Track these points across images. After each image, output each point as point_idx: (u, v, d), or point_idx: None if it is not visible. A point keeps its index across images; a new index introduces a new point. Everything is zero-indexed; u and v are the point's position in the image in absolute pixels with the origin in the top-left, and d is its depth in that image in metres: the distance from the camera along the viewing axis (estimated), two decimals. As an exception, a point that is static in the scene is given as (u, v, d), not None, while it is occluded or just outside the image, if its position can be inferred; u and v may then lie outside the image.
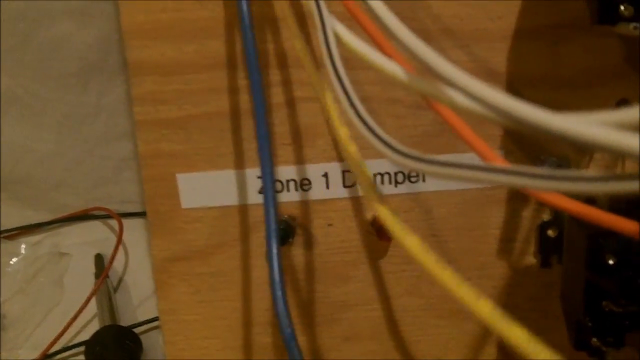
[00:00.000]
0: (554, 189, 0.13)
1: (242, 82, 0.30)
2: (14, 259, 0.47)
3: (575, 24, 0.29)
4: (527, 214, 0.31)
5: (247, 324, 0.33)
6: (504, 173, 0.14)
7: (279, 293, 0.21)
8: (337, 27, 0.19)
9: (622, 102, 0.29)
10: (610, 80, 0.29)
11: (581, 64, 0.29)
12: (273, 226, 0.21)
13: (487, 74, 0.29)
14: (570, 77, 0.29)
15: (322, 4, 0.20)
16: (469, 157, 0.30)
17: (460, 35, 0.29)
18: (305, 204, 0.31)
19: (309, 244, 0.32)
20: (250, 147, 0.31)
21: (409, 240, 0.19)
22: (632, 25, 0.23)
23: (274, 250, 0.21)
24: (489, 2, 0.29)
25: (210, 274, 0.32)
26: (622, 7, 0.23)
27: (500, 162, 0.16)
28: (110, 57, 0.45)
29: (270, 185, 0.23)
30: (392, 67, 0.18)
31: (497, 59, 0.29)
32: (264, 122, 0.23)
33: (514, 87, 0.29)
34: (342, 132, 0.20)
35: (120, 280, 0.47)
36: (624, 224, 0.15)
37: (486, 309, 0.17)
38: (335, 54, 0.18)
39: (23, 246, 0.48)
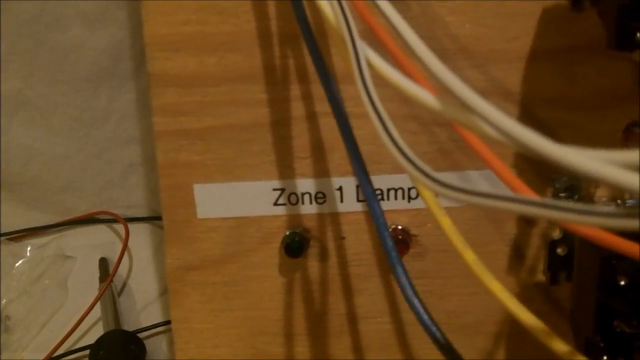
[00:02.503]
0: (591, 224, 0.14)
1: (261, 95, 0.30)
2: (20, 261, 0.47)
3: (590, 46, 0.29)
4: (537, 231, 0.32)
5: (258, 333, 0.34)
6: (539, 206, 0.15)
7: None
8: (369, 54, 0.19)
9: (634, 124, 0.30)
10: (623, 102, 0.30)
11: (595, 85, 0.30)
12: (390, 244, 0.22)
13: (502, 94, 0.30)
14: (583, 99, 0.30)
15: (354, 30, 0.20)
16: (485, 175, 0.31)
17: (477, 55, 0.30)
18: (319, 217, 0.32)
19: (322, 256, 0.32)
20: (267, 159, 0.31)
21: (466, 254, 0.19)
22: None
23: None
24: (505, 23, 0.29)
25: (223, 284, 0.33)
26: (638, 34, 0.24)
27: (529, 192, 0.16)
28: (121, 63, 0.46)
29: (372, 197, 0.23)
30: (423, 94, 0.18)
31: (512, 79, 0.30)
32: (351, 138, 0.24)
33: (529, 107, 0.30)
34: (444, 222, 0.21)
35: (124, 285, 0.47)
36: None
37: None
38: (369, 82, 0.19)
39: (28, 248, 0.48)
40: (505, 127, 0.16)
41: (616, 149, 0.15)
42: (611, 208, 0.14)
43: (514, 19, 0.29)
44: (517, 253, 0.32)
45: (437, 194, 0.19)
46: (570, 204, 0.14)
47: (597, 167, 0.14)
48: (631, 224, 0.13)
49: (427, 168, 0.17)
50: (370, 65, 0.19)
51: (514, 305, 0.20)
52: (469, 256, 0.21)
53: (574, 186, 0.30)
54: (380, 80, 0.20)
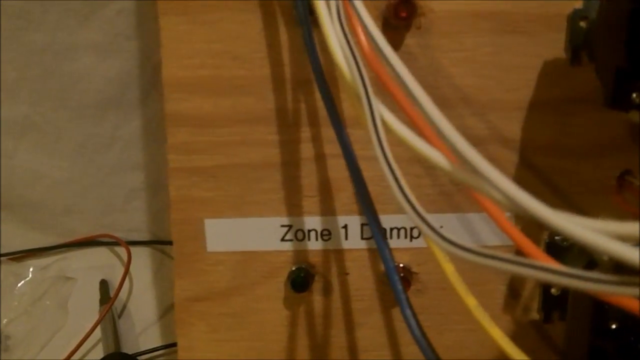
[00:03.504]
0: (608, 293, 0.15)
1: (272, 137, 0.32)
2: (22, 282, 0.48)
3: (586, 99, 0.31)
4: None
5: (261, 363, 0.35)
6: (558, 274, 0.16)
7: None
8: (384, 114, 0.21)
9: (625, 173, 0.31)
10: (617, 151, 0.31)
11: (589, 135, 0.31)
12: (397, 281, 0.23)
13: (501, 141, 0.31)
14: (577, 147, 0.31)
15: (369, 87, 0.22)
16: (486, 217, 0.32)
17: (478, 104, 0.31)
18: (324, 253, 0.33)
19: (326, 291, 0.34)
20: (276, 197, 0.32)
21: (468, 300, 0.20)
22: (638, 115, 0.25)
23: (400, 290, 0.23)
24: (505, 74, 0.31)
25: (228, 315, 0.34)
26: (634, 95, 0.25)
27: (543, 258, 0.17)
28: (128, 92, 0.47)
29: (379, 235, 0.24)
30: (436, 156, 0.20)
31: (511, 128, 0.31)
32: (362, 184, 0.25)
33: (526, 154, 0.32)
34: (448, 269, 0.22)
35: (124, 307, 0.48)
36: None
37: None
38: (384, 141, 0.20)
39: (31, 269, 0.49)
40: (511, 194, 0.18)
41: (615, 220, 0.16)
42: (618, 277, 0.15)
43: (515, 71, 0.31)
44: (513, 292, 0.33)
45: (445, 252, 0.20)
46: (581, 272, 0.15)
47: (597, 239, 0.15)
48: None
49: (435, 224, 0.18)
50: (383, 122, 0.21)
51: (513, 351, 0.21)
52: (471, 302, 0.22)
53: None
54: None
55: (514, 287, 0.33)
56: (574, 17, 0.28)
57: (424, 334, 0.23)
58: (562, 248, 0.31)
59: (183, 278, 0.33)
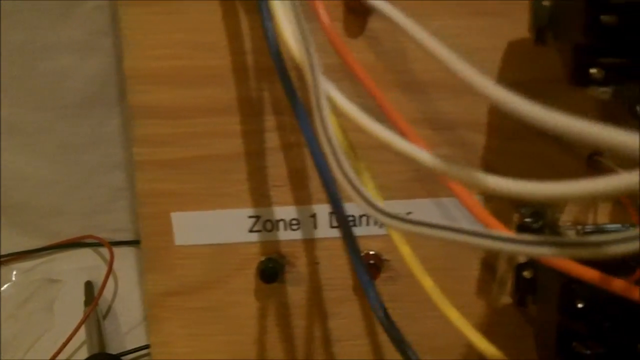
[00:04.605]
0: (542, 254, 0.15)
1: (238, 126, 0.31)
2: (6, 285, 0.48)
3: (553, 78, 0.30)
4: (504, 254, 0.33)
5: (236, 356, 0.34)
6: (486, 238, 0.16)
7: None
8: (338, 99, 0.20)
9: (594, 154, 0.31)
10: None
11: (558, 117, 0.31)
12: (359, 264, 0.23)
13: (470, 125, 0.31)
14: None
15: (318, 69, 0.21)
16: (452, 202, 0.32)
17: (446, 88, 0.31)
18: (294, 243, 0.33)
19: (296, 282, 0.33)
20: (243, 188, 0.32)
21: (425, 281, 0.20)
22: (600, 89, 0.24)
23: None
24: (472, 57, 0.30)
25: (201, 309, 0.34)
26: (592, 70, 0.25)
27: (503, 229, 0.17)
28: (109, 90, 0.47)
29: (347, 224, 0.24)
30: (389, 137, 0.19)
31: (481, 111, 0.31)
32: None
33: (496, 138, 0.31)
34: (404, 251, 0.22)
35: (109, 308, 0.47)
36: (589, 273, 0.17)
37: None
38: (326, 116, 0.20)
39: (14, 272, 0.49)
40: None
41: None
42: (568, 239, 0.15)
43: (482, 53, 0.30)
44: (486, 277, 0.33)
45: (382, 224, 0.20)
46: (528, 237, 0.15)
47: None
48: (592, 253, 0.14)
49: (371, 197, 0.18)
50: (330, 101, 0.21)
51: (470, 332, 0.21)
52: (427, 283, 0.22)
53: (539, 212, 0.31)
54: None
55: (487, 272, 0.33)
56: (538, -4, 0.28)
57: (387, 315, 0.23)
58: (533, 230, 0.30)
59: (153, 272, 0.33)
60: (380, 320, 0.23)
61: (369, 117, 0.20)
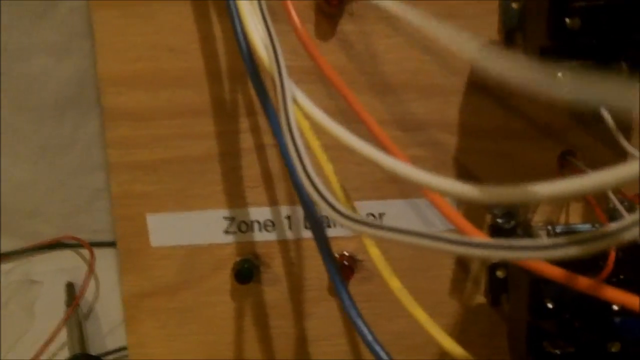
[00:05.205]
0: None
1: (211, 128, 0.31)
2: (-15, 287, 0.48)
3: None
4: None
5: (212, 357, 0.35)
6: (446, 242, 0.16)
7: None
8: (303, 101, 0.21)
9: (567, 153, 0.32)
10: (557, 132, 0.31)
11: (530, 117, 0.31)
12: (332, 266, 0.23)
13: (442, 126, 0.31)
14: (519, 129, 0.31)
15: (284, 71, 0.22)
16: (426, 202, 0.32)
17: (417, 89, 0.31)
18: (269, 244, 0.33)
19: (272, 282, 0.33)
20: (218, 189, 0.32)
21: (392, 282, 0.21)
22: (565, 89, 0.25)
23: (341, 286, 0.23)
24: (443, 59, 0.31)
25: (177, 310, 0.34)
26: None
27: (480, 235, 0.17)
28: (86, 92, 0.47)
29: (319, 226, 0.24)
30: (353, 140, 0.19)
31: (452, 111, 0.31)
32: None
33: (467, 138, 0.31)
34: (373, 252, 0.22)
35: (90, 309, 0.47)
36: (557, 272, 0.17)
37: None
38: (292, 117, 0.20)
39: (-6, 274, 0.49)
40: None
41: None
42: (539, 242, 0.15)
43: (453, 55, 0.30)
44: (459, 277, 0.33)
45: (340, 225, 0.20)
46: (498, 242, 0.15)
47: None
48: (560, 253, 0.14)
49: (336, 202, 0.18)
50: (296, 103, 0.21)
51: (437, 332, 0.21)
52: (395, 284, 0.22)
53: (511, 213, 0.31)
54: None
55: (460, 271, 0.33)
56: (506, -1, 0.28)
57: (360, 315, 0.23)
58: (505, 230, 0.31)
59: (130, 274, 0.33)
60: (353, 321, 0.23)
61: (334, 120, 0.20)
